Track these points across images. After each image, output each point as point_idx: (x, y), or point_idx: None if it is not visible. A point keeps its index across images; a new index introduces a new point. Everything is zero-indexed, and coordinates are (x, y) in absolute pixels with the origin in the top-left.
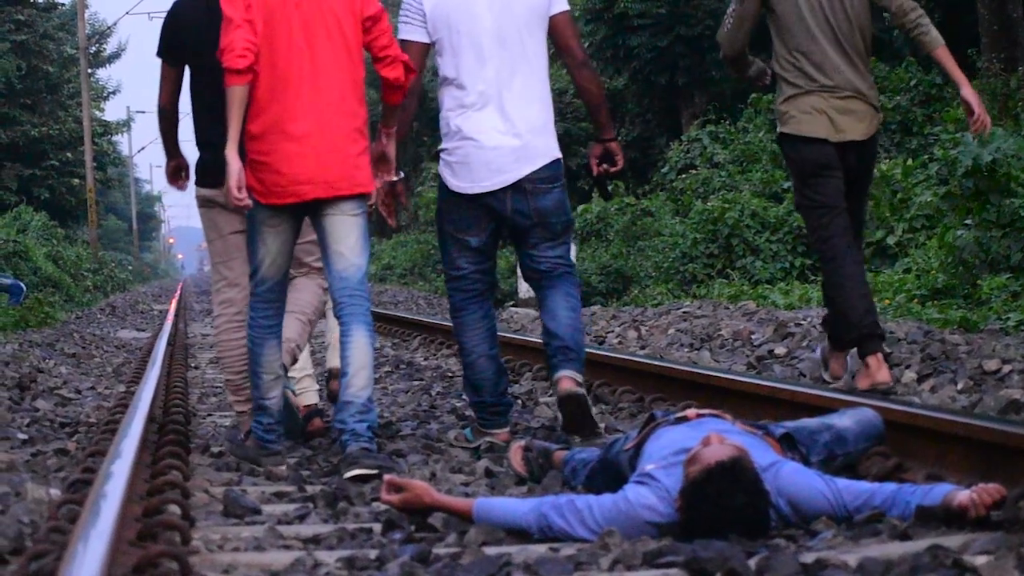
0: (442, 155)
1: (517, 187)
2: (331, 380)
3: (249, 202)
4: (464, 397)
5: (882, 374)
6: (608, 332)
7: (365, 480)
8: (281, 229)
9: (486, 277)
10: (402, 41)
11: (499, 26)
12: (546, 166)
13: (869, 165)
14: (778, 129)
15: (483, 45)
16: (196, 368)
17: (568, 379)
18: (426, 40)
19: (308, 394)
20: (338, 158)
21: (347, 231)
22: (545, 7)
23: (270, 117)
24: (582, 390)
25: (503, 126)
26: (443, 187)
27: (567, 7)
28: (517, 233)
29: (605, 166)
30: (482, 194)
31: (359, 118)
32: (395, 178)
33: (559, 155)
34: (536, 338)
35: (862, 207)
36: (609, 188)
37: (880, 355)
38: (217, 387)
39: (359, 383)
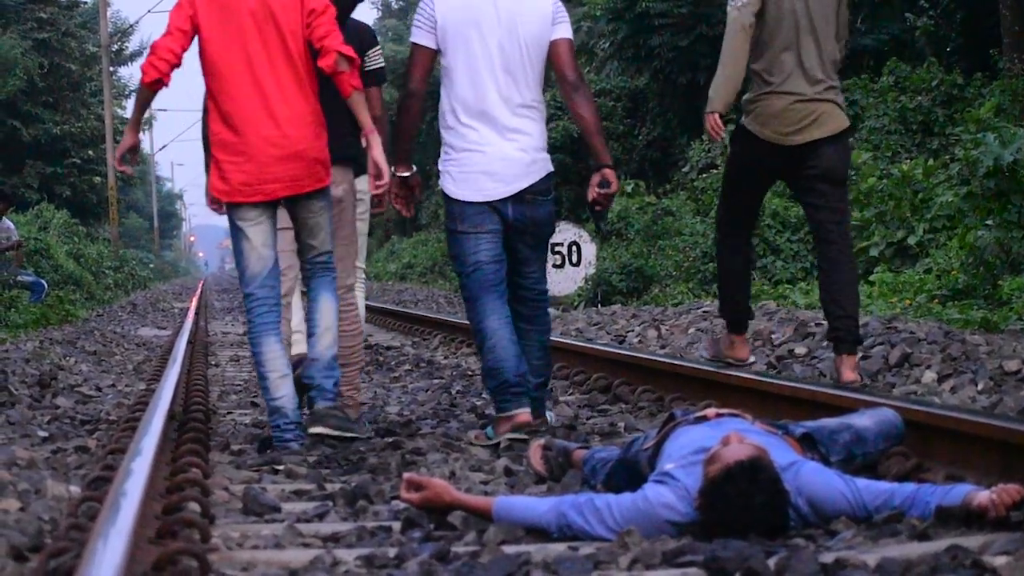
0: (442, 167)
1: (518, 197)
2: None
3: (129, 171)
4: (484, 396)
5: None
6: (628, 331)
7: (325, 439)
8: (259, 221)
9: (501, 269)
10: (412, 44)
11: (505, 43)
12: (543, 179)
13: (841, 154)
14: (741, 120)
15: (488, 60)
16: (216, 366)
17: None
18: (433, 46)
19: (299, 346)
20: (301, 156)
21: (318, 228)
22: (548, 32)
23: (234, 121)
24: (546, 437)
25: (506, 140)
26: (448, 198)
27: (569, 35)
28: (508, 238)
29: (599, 191)
30: (484, 202)
31: (317, 114)
32: (407, 173)
33: (551, 169)
34: (555, 337)
35: (840, 194)
36: (603, 225)
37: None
38: (237, 385)
39: (325, 342)
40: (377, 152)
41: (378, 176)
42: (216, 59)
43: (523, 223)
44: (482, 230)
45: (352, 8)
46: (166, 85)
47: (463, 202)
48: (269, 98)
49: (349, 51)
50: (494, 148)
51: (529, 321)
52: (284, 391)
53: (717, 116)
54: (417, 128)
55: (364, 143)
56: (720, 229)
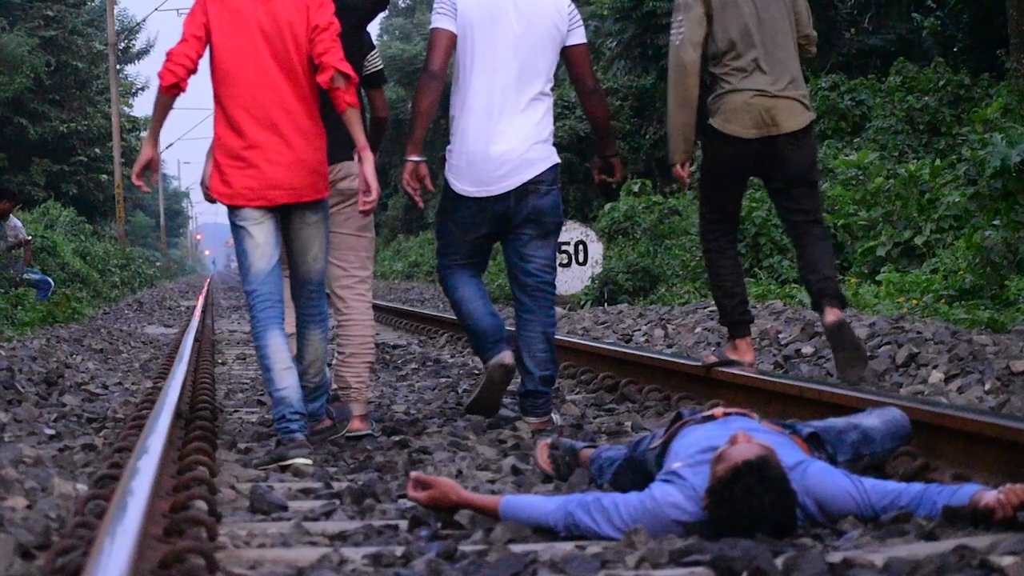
0: (448, 157)
1: (521, 189)
2: None
3: (146, 188)
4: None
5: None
6: (635, 330)
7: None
8: (262, 220)
9: (479, 265)
10: (433, 29)
11: (519, 41)
12: (546, 171)
13: (808, 155)
14: (708, 121)
15: (501, 55)
16: (223, 364)
17: (537, 423)
18: (455, 31)
19: None
20: (302, 166)
21: (311, 241)
22: (563, 35)
23: (239, 127)
24: (549, 425)
25: (508, 134)
26: (448, 188)
27: (584, 40)
28: (512, 229)
29: (604, 176)
30: (485, 197)
31: (318, 126)
32: (418, 158)
33: (557, 161)
34: (562, 336)
35: (812, 196)
36: (615, 188)
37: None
38: (244, 383)
39: (313, 371)
40: (368, 169)
41: (367, 192)
42: (225, 66)
43: (527, 213)
44: (469, 234)
45: (370, 19)
46: (183, 91)
47: (462, 197)
48: (273, 108)
49: (347, 68)
50: (495, 143)
51: (531, 311)
52: (288, 382)
53: (679, 167)
54: (434, 111)
55: (356, 159)
56: (704, 238)
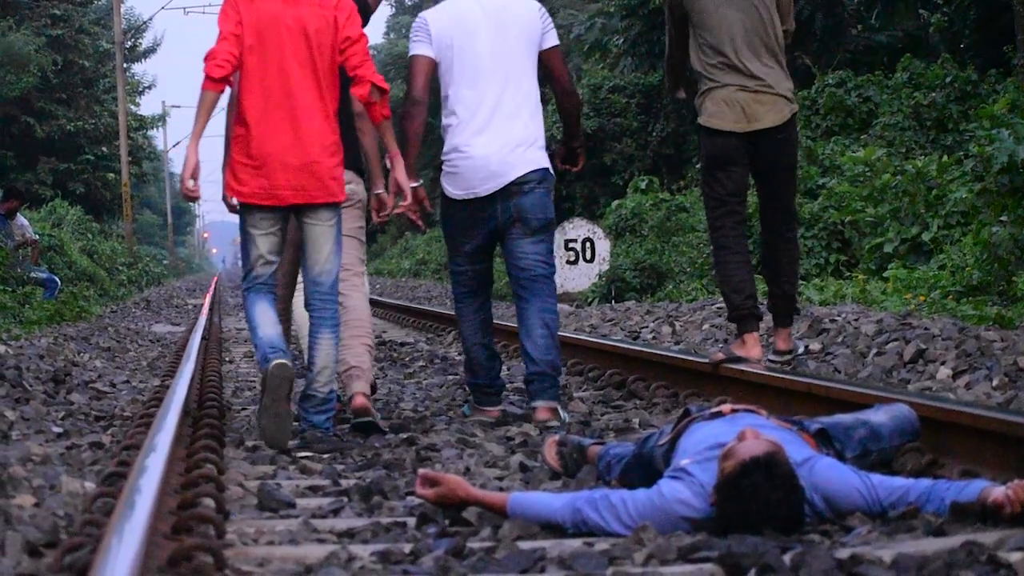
0: (443, 166)
1: (504, 191)
2: None
3: (199, 193)
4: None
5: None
6: (642, 327)
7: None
8: (269, 231)
9: (480, 276)
10: (413, 57)
11: (495, 51)
12: (529, 172)
13: (788, 149)
14: (697, 119)
15: (478, 67)
16: (230, 362)
17: (544, 410)
18: (433, 56)
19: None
20: (316, 169)
21: (324, 240)
22: (537, 39)
23: (257, 126)
24: (557, 420)
25: (491, 140)
26: (444, 195)
27: (557, 42)
28: (502, 230)
29: (568, 166)
30: (475, 199)
31: (335, 132)
32: (415, 184)
33: (544, 164)
34: (569, 333)
35: (788, 188)
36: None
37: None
38: (251, 381)
39: (323, 379)
40: (399, 173)
41: (399, 195)
42: (248, 66)
43: (513, 212)
44: (465, 238)
45: (365, 23)
46: (231, 85)
47: (455, 202)
48: (292, 110)
49: (381, 81)
50: (479, 149)
51: (527, 300)
52: (272, 331)
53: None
54: (421, 135)
55: (388, 164)
56: (713, 233)
